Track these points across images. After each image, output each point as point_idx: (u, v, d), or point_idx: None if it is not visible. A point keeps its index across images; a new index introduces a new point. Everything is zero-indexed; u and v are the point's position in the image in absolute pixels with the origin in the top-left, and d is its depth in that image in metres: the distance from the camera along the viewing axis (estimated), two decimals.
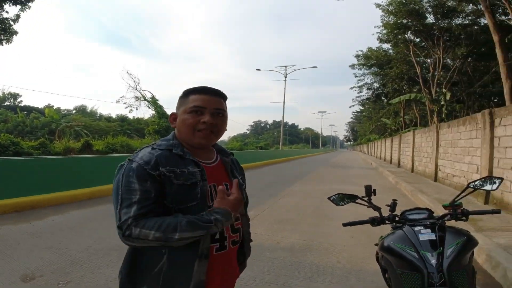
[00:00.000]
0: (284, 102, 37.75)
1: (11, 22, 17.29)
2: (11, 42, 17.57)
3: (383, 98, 30.76)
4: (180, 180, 1.14)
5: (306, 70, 54.38)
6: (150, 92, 30.98)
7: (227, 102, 1.32)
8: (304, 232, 4.89)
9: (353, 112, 72.82)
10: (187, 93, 1.26)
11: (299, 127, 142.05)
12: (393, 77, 25.44)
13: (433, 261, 1.33)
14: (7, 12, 18.68)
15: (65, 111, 52.02)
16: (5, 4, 16.80)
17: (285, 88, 37.37)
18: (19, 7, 17.31)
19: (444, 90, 17.83)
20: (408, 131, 18.40)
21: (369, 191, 1.81)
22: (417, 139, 14.61)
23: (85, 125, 33.32)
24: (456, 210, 1.64)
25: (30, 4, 17.49)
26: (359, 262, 3.58)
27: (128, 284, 1.17)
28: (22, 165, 6.56)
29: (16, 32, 17.70)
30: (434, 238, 1.42)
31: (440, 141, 10.75)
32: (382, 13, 20.42)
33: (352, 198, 1.83)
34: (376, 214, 1.75)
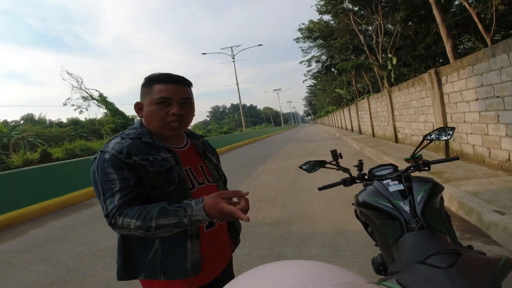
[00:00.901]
0: (237, 84, 37.93)
1: None
2: None
3: (333, 70, 31.38)
4: (155, 167, 1.16)
5: (254, 49, 54.44)
6: (96, 90, 29.78)
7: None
8: (285, 206, 5.17)
9: (307, 86, 74.11)
10: (151, 82, 1.22)
11: (258, 108, 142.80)
12: (338, 47, 25.99)
13: (407, 208, 1.42)
14: None
15: (13, 123, 48.73)
16: None
17: (235, 69, 37.41)
18: None
19: (389, 55, 18.57)
20: (363, 98, 19.08)
21: (336, 155, 1.91)
22: (372, 105, 15.16)
23: (37, 134, 31.54)
24: (417, 161, 1.76)
25: None
26: (342, 224, 3.89)
27: (124, 274, 1.21)
28: None
29: None
30: (403, 188, 1.52)
31: (394, 104, 11.27)
32: None
33: (321, 164, 1.93)
34: (346, 175, 1.87)
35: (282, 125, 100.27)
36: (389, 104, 11.64)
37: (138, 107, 1.27)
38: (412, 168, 1.75)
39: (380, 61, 19.48)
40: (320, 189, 1.88)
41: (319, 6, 23.36)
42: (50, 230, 5.31)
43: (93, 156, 1.22)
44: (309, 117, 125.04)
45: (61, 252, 4.11)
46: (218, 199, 1.05)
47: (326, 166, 1.93)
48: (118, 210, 1.08)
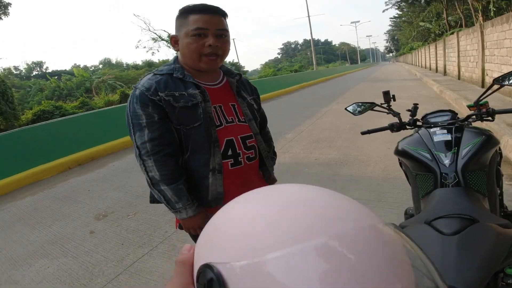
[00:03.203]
0: (308, 16, 34.63)
1: None
2: (8, 15, 17.75)
3: None
4: (181, 103, 1.19)
5: None
6: (165, 31, 30.25)
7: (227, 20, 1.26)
8: (340, 147, 5.06)
9: (391, 18, 65.96)
10: (186, 12, 1.20)
11: (333, 43, 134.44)
12: None
13: (447, 161, 1.27)
14: None
15: (92, 68, 53.31)
16: None
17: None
18: None
19: None
20: (452, 33, 16.63)
21: (388, 96, 1.73)
22: (461, 42, 13.21)
23: (116, 77, 33.95)
24: (481, 109, 1.52)
25: None
26: (394, 171, 3.69)
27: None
28: (74, 123, 7.17)
29: (9, 4, 17.77)
30: (450, 138, 1.35)
31: (486, 42, 9.64)
32: None
33: (370, 106, 1.76)
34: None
35: (359, 62, 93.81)
36: (480, 41, 9.95)
37: (173, 40, 1.26)
38: (473, 116, 1.52)
39: None
40: (363, 133, 1.77)
41: None
42: (126, 162, 5.98)
43: None
44: (391, 55, 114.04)
45: (133, 181, 4.65)
46: (204, 223, 1.16)
47: (375, 109, 1.75)
48: (153, 149, 1.17)
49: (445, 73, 17.91)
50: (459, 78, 13.93)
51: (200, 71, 1.26)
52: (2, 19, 17.56)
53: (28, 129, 6.77)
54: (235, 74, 1.40)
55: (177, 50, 1.27)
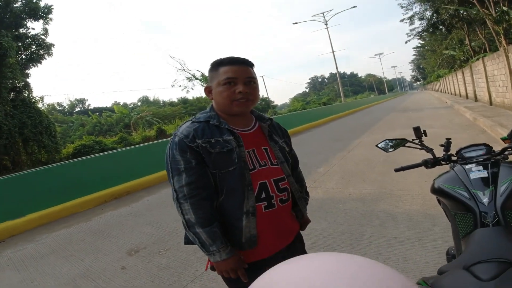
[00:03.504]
0: (333, 51, 35.87)
1: (42, 37, 18.69)
2: (52, 55, 19.13)
3: (441, 27, 27.14)
4: (217, 149, 1.25)
5: (347, 12, 50.18)
6: (198, 70, 31.82)
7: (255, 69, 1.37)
8: (375, 181, 4.88)
9: (414, 48, 65.59)
10: (216, 65, 1.32)
11: (359, 75, 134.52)
12: (444, 0, 22.34)
13: (485, 199, 1.22)
14: (33, 28, 20.10)
15: (131, 105, 56.14)
16: (27, 22, 18.07)
17: (329, 36, 35.20)
18: (41, 21, 18.50)
19: (504, 8, 15.23)
20: (477, 59, 16.28)
21: (419, 132, 1.70)
22: (488, 67, 12.89)
23: (153, 113, 35.55)
24: None
25: (50, 16, 18.58)
26: (434, 206, 3.44)
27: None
28: (111, 158, 7.47)
29: (52, 45, 19.13)
30: (486, 175, 1.29)
31: None
32: None
33: (401, 142, 1.74)
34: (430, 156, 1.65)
35: (387, 93, 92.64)
36: (506, 65, 9.70)
37: (207, 90, 1.38)
38: (509, 149, 1.47)
39: (494, 14, 16.19)
40: (396, 170, 1.71)
41: None
42: (160, 197, 6.06)
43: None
44: (418, 83, 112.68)
45: (166, 216, 4.67)
46: (237, 266, 1.25)
47: (406, 145, 1.74)
48: (190, 192, 1.22)
49: (476, 99, 17.41)
50: (491, 104, 13.50)
51: (234, 116, 1.34)
52: (46, 59, 19.00)
53: (67, 163, 7.11)
54: (267, 119, 1.47)
55: (211, 99, 1.37)
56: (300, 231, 1.54)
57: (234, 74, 1.28)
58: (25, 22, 18.10)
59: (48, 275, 3.31)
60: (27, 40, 18.41)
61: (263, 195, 1.30)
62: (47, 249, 4.10)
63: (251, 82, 1.31)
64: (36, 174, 6.16)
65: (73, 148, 18.12)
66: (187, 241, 1.34)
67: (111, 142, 19.56)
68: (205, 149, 1.25)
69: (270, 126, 1.46)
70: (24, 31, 18.32)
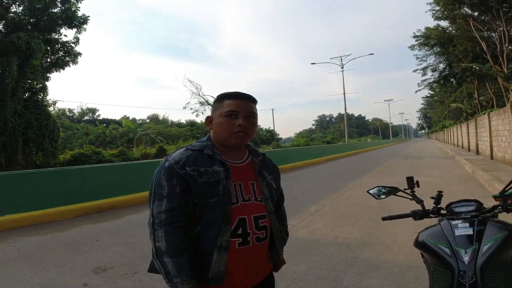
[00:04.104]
0: (344, 94, 36.84)
1: (72, 45, 19.11)
2: (77, 63, 19.50)
3: (452, 80, 27.80)
4: (204, 178, 1.24)
5: (364, 58, 51.86)
6: (212, 96, 32.55)
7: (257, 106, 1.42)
8: (364, 226, 4.72)
9: (423, 97, 66.97)
10: (222, 98, 1.36)
11: (366, 118, 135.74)
12: (458, 55, 22.97)
13: (466, 258, 1.22)
14: (65, 35, 20.52)
15: (140, 121, 56.71)
16: (61, 28, 18.51)
17: (343, 79, 36.27)
18: (75, 30, 18.96)
19: None
20: (483, 113, 16.48)
21: (412, 182, 1.69)
22: (493, 122, 13.09)
23: (158, 132, 35.88)
24: (506, 200, 1.45)
25: (84, 26, 19.06)
26: (419, 259, 3.31)
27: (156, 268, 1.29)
28: (101, 171, 7.36)
29: (79, 54, 19.52)
30: (471, 233, 1.30)
31: None
32: None
33: (393, 190, 1.72)
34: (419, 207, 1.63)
35: (391, 138, 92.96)
36: (510, 122, 9.87)
37: (208, 120, 1.40)
38: (499, 207, 1.46)
39: (506, 71, 16.54)
40: (384, 219, 1.69)
41: (433, 12, 21.27)
42: (144, 217, 5.85)
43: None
44: (423, 131, 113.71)
45: (144, 238, 4.46)
46: None
47: (398, 194, 1.72)
48: (166, 219, 1.20)
49: (477, 152, 17.55)
50: (491, 158, 13.60)
51: (230, 148, 1.36)
52: (70, 66, 19.32)
53: (56, 170, 7.01)
54: (260, 154, 1.48)
55: (210, 129, 1.40)
56: (273, 272, 1.49)
57: (236, 107, 1.31)
58: (59, 28, 18.49)
59: (10, 278, 3.23)
60: (57, 46, 18.71)
61: (240, 231, 1.27)
62: (15, 253, 3.99)
63: (251, 117, 1.35)
64: (24, 176, 6.07)
65: (70, 155, 18.08)
66: (152, 269, 1.29)
67: (110, 155, 19.52)
68: (193, 177, 1.24)
69: (262, 161, 1.47)
70: (56, 36, 18.67)
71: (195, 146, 1.35)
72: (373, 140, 67.95)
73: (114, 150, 22.54)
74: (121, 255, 3.83)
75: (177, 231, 1.20)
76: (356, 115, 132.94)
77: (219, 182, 1.26)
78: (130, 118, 51.36)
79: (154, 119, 61.00)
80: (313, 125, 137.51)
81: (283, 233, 1.52)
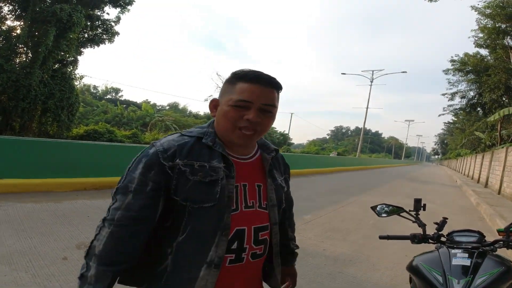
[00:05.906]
0: (367, 108, 36.17)
1: (112, 24, 19.30)
2: (113, 42, 19.69)
3: (478, 109, 27.32)
4: (197, 176, 0.98)
5: (395, 75, 50.81)
6: None
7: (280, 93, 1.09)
8: (355, 243, 4.64)
9: (445, 122, 65.77)
10: (236, 78, 1.03)
11: (382, 135, 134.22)
12: (491, 85, 22.57)
13: None
14: (108, 13, 20.70)
15: (160, 107, 57.18)
16: (106, 6, 18.68)
17: (369, 93, 35.62)
18: (118, 9, 19.15)
19: None
20: (502, 147, 16.10)
21: (419, 205, 1.64)
22: (509, 157, 12.75)
23: (175, 120, 35.93)
24: (510, 236, 1.44)
25: (129, 7, 19.22)
26: (404, 282, 3.26)
27: (129, 278, 1.04)
28: (108, 150, 7.45)
29: (117, 33, 19.72)
30: (468, 264, 1.27)
31: None
32: (478, 16, 18.40)
33: (397, 210, 1.67)
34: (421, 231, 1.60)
35: (402, 158, 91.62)
36: None
37: (213, 104, 1.09)
38: (501, 242, 1.45)
39: None
40: (381, 237, 1.66)
41: (476, 38, 20.92)
42: None
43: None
44: (436, 157, 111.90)
45: None
46: None
47: (402, 214, 1.67)
48: (120, 215, 0.94)
49: (486, 185, 17.19)
50: (499, 193, 13.30)
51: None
52: (105, 44, 19.51)
53: (64, 142, 7.12)
54: (272, 149, 1.20)
55: (213, 116, 1.09)
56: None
57: (250, 96, 0.99)
58: (103, 6, 18.64)
59: None
60: (97, 22, 18.87)
61: (235, 246, 1.02)
62: (3, 217, 4.05)
63: (267, 110, 1.03)
64: (31, 143, 6.18)
65: (84, 130, 18.36)
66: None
67: (122, 136, 19.76)
68: (183, 173, 0.97)
69: (273, 159, 1.19)
70: (99, 13, 18.84)
71: (192, 132, 1.06)
72: (383, 158, 67.16)
73: (128, 131, 22.82)
74: None
75: (126, 238, 0.94)
76: (373, 130, 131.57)
77: (216, 183, 0.99)
78: (151, 103, 51.90)
79: (174, 107, 61.25)
80: (328, 134, 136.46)
81: (290, 244, 1.35)
